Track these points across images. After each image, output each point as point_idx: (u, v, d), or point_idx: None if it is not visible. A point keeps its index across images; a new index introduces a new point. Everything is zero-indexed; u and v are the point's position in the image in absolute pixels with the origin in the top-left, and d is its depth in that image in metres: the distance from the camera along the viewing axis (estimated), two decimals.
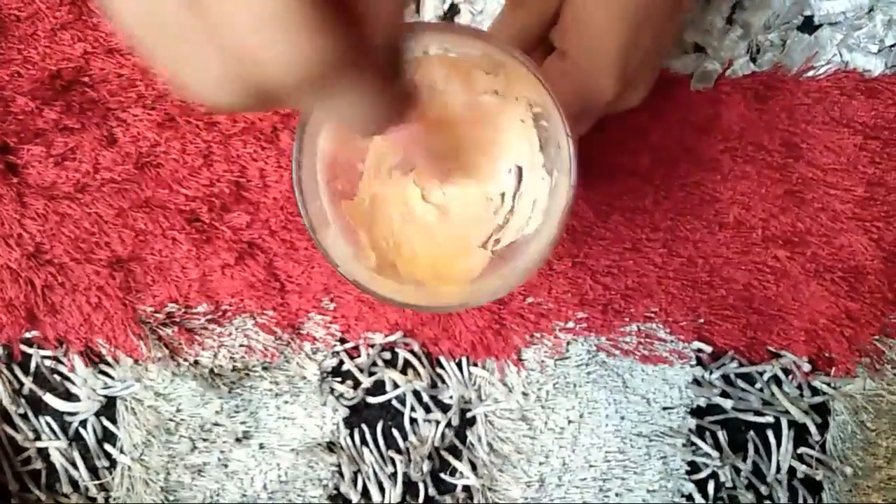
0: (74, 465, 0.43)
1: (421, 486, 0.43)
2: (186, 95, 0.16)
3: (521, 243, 0.31)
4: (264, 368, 0.43)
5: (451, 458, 0.43)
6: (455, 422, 0.43)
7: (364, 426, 0.43)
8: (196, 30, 0.15)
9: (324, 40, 0.14)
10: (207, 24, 0.14)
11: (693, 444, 0.43)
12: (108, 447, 0.43)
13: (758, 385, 0.43)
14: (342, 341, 0.43)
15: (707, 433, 0.43)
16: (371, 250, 0.30)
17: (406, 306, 0.29)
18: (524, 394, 0.43)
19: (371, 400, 0.43)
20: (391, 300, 0.28)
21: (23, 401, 0.42)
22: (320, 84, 0.15)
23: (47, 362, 0.42)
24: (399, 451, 0.43)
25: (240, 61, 0.15)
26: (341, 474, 0.43)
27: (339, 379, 0.43)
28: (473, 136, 0.31)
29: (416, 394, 0.43)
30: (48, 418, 0.43)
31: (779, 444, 0.43)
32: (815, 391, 0.43)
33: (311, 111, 0.17)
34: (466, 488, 0.43)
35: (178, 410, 0.42)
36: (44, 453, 0.43)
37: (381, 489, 0.43)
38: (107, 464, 0.43)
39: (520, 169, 0.31)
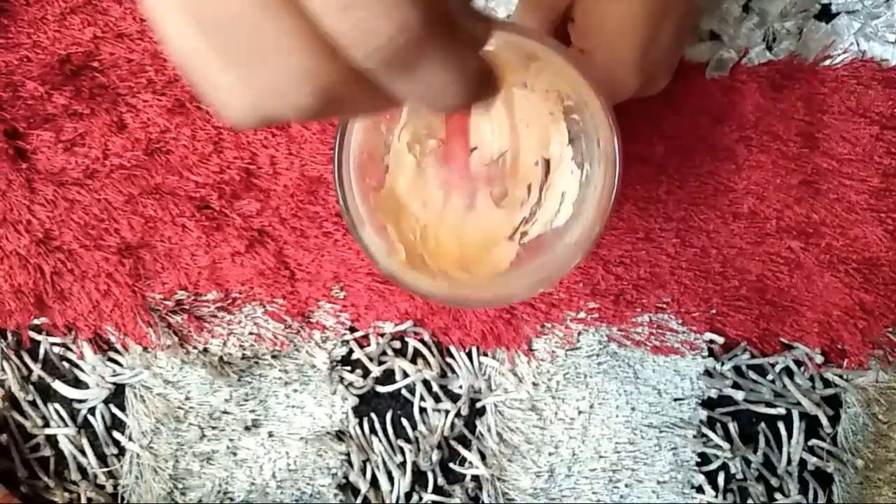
0: (83, 452, 0.42)
1: (430, 475, 0.43)
2: (247, 116, 0.16)
3: (549, 236, 0.31)
4: (274, 357, 0.42)
5: (460, 448, 0.43)
6: (465, 411, 0.42)
7: (373, 415, 0.43)
8: (275, 22, 0.14)
9: (409, 11, 0.14)
10: (290, 15, 0.14)
11: (704, 435, 0.43)
12: (116, 434, 0.43)
13: (769, 377, 0.43)
14: (352, 330, 0.42)
15: (718, 425, 0.43)
16: (399, 244, 0.30)
17: (443, 301, 0.29)
18: (534, 384, 0.42)
19: (381, 389, 0.43)
20: (430, 295, 0.28)
21: (31, 388, 0.42)
22: (407, 57, 0.15)
23: (56, 349, 0.42)
24: (408, 441, 0.43)
25: (330, 48, 0.15)
26: (350, 463, 0.42)
27: (348, 368, 0.43)
28: (500, 130, 0.31)
29: (426, 383, 0.43)
30: (57, 405, 0.42)
31: (790, 436, 0.43)
32: (827, 383, 0.43)
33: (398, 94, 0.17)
34: (475, 478, 0.43)
35: (187, 398, 0.42)
36: (52, 440, 0.43)
37: (391, 478, 0.43)
38: (115, 451, 0.43)
39: (547, 162, 0.30)
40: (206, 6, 0.15)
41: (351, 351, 0.43)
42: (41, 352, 0.42)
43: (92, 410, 0.42)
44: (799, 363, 0.43)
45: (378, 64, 0.15)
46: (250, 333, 0.42)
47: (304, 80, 0.15)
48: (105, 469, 0.43)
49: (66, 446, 0.42)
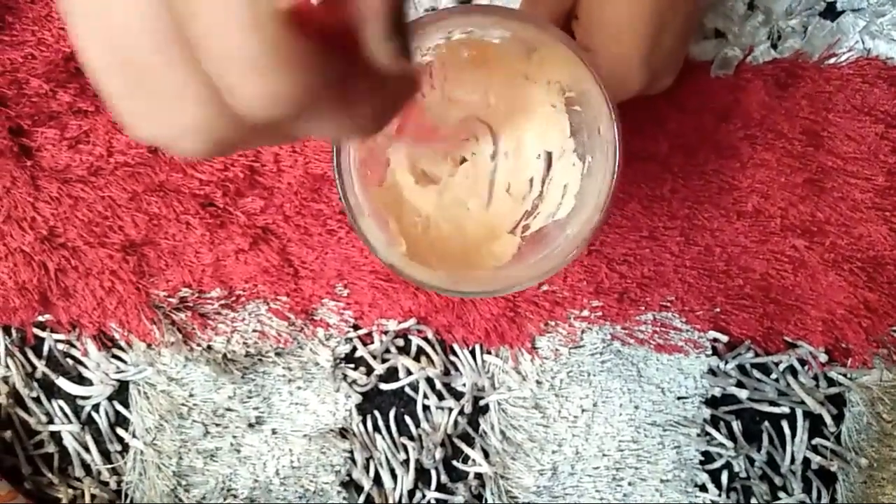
0: (87, 449, 0.42)
1: (433, 473, 0.43)
2: (148, 141, 0.16)
3: (551, 229, 0.30)
4: (277, 354, 0.42)
5: (463, 446, 0.43)
6: (468, 409, 0.42)
7: (377, 413, 0.43)
8: (173, 70, 0.14)
9: (309, 73, 0.14)
10: (188, 62, 0.14)
11: (707, 434, 0.43)
12: (120, 431, 0.43)
13: (773, 375, 0.43)
14: (355, 328, 0.42)
15: (721, 423, 0.43)
16: (401, 236, 0.30)
17: (445, 292, 0.29)
18: (538, 382, 0.42)
19: (384, 387, 0.43)
20: (431, 286, 0.28)
21: (36, 384, 0.42)
22: (300, 113, 0.15)
23: (60, 346, 0.42)
24: (412, 438, 0.43)
25: (221, 101, 0.15)
26: (353, 460, 0.42)
27: (352, 365, 0.43)
28: (499, 121, 0.30)
29: (430, 381, 0.43)
30: (61, 402, 0.42)
31: (794, 435, 0.43)
32: (831, 382, 0.43)
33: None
34: (479, 476, 0.43)
35: (191, 395, 0.42)
36: (56, 437, 0.43)
37: (394, 476, 0.43)
38: (119, 448, 0.43)
39: (549, 154, 0.30)
40: (115, 40, 0.15)
41: (354, 348, 0.43)
42: (45, 348, 0.42)
43: (96, 407, 0.43)
44: (803, 362, 0.43)
45: (269, 121, 0.15)
46: (254, 331, 0.42)
47: (198, 130, 0.15)
48: (109, 466, 0.43)
49: (70, 443, 0.42)
